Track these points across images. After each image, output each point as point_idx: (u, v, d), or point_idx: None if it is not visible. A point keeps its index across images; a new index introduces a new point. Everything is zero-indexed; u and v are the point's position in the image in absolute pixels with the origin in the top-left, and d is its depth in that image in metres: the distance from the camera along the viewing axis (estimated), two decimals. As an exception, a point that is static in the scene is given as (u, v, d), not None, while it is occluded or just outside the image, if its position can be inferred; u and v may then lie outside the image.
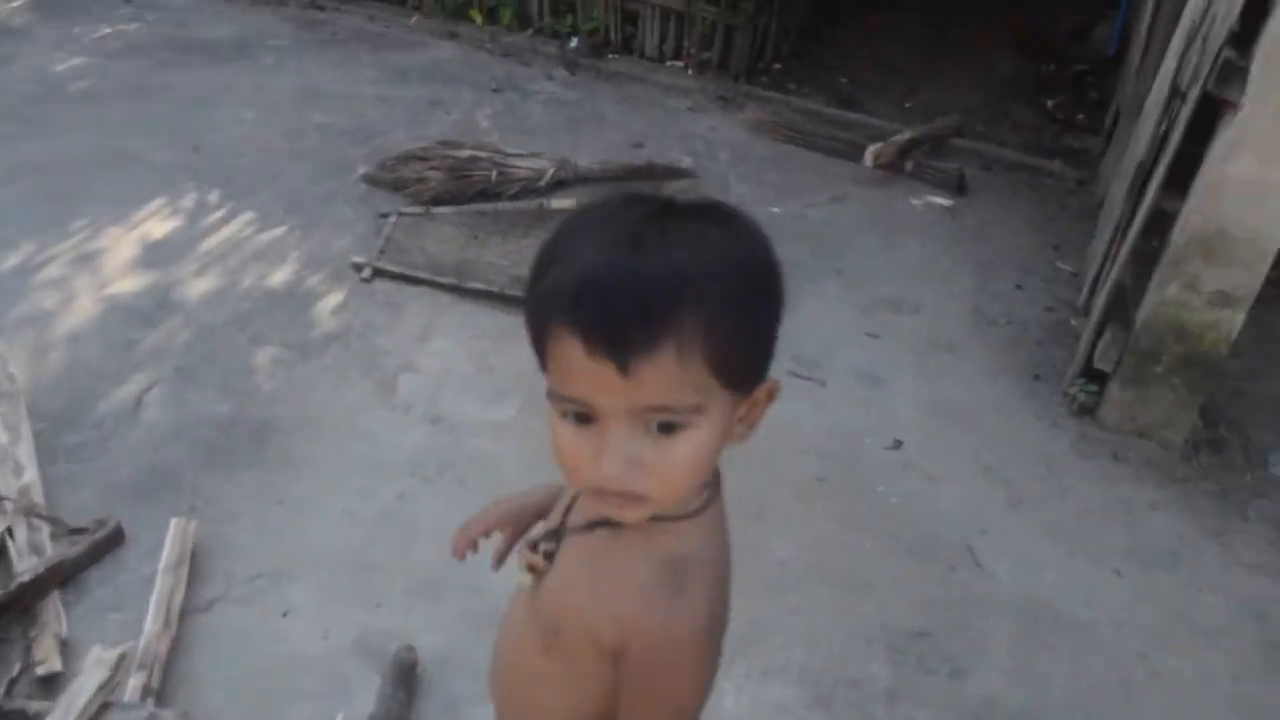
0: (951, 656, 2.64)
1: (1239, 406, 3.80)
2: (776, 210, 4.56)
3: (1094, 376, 3.56)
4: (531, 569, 1.18)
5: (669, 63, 5.87)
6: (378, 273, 3.74)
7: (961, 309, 4.09)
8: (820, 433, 3.32)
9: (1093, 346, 3.54)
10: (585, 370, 0.93)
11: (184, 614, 2.44)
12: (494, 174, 4.29)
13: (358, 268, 3.76)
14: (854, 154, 5.07)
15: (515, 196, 4.27)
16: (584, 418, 0.97)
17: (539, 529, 1.25)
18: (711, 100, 5.61)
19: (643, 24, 5.88)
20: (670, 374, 0.92)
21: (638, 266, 0.92)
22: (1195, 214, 3.13)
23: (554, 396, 0.99)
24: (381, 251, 3.84)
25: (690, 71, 5.81)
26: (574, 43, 5.88)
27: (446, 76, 5.49)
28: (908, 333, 3.90)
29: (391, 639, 2.46)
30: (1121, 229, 3.80)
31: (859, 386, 3.57)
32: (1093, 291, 3.99)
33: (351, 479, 2.92)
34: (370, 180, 4.33)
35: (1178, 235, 3.20)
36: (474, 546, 1.42)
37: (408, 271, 3.75)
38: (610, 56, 5.88)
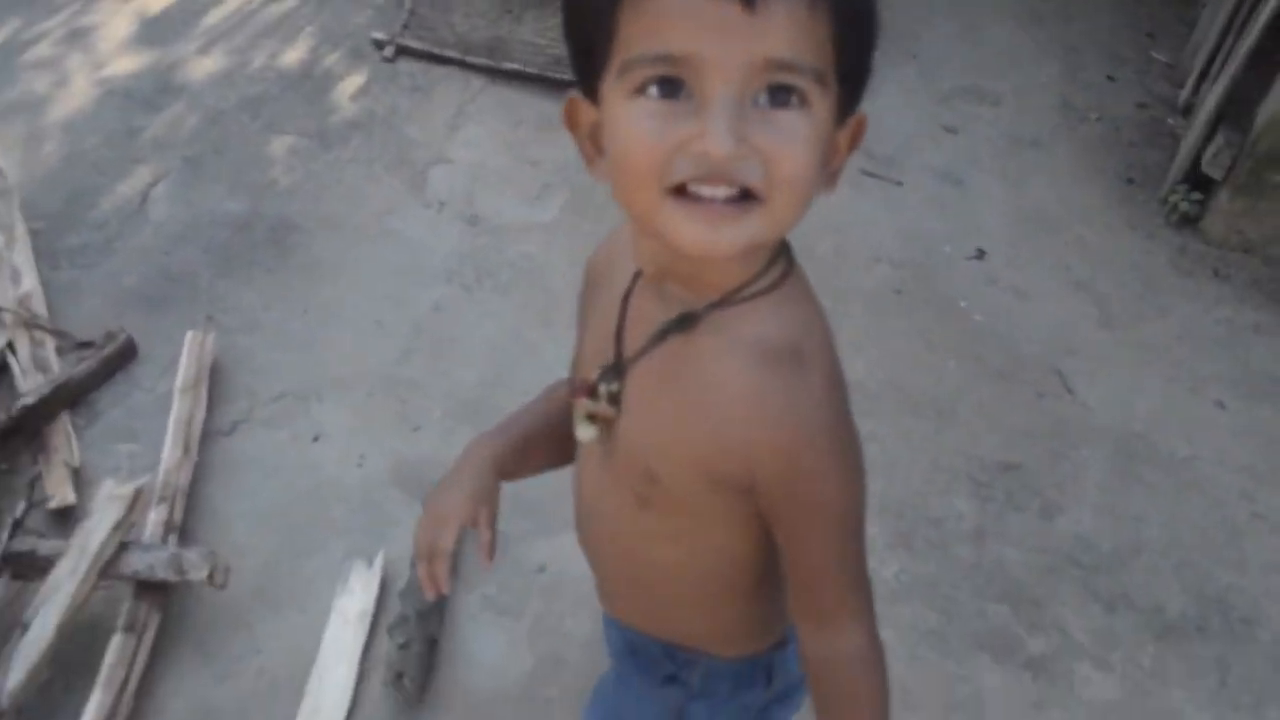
0: (1041, 491, 2.42)
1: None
2: None
3: (1198, 183, 3.20)
4: (595, 419, 0.97)
5: None
6: (401, 51, 3.35)
7: (1047, 101, 3.68)
8: (896, 238, 3.00)
9: (1200, 150, 3.16)
10: (694, 11, 0.74)
11: (204, 438, 2.22)
12: (529, -63, 3.80)
13: (379, 45, 3.36)
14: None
15: (552, -37, 3.80)
16: (672, 88, 0.76)
17: (593, 372, 0.98)
18: None
19: None
20: (801, 18, 0.75)
21: None
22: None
23: (632, 63, 0.76)
24: (405, 27, 3.43)
25: None
26: None
27: None
28: (988, 126, 3.51)
29: (432, 467, 2.24)
30: (1238, 18, 3.35)
31: (937, 187, 3.23)
32: (1197, 88, 3.57)
33: (382, 285, 2.65)
34: (389, -56, 3.85)
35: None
36: (452, 569, 1.14)
37: (435, 50, 3.35)
38: None
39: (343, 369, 2.44)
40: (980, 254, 3.01)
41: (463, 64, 3.33)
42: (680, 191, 0.78)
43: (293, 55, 3.33)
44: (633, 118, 0.77)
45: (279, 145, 3.00)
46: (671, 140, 0.76)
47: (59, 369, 2.26)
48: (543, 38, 3.47)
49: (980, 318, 2.82)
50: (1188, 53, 3.90)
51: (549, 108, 3.23)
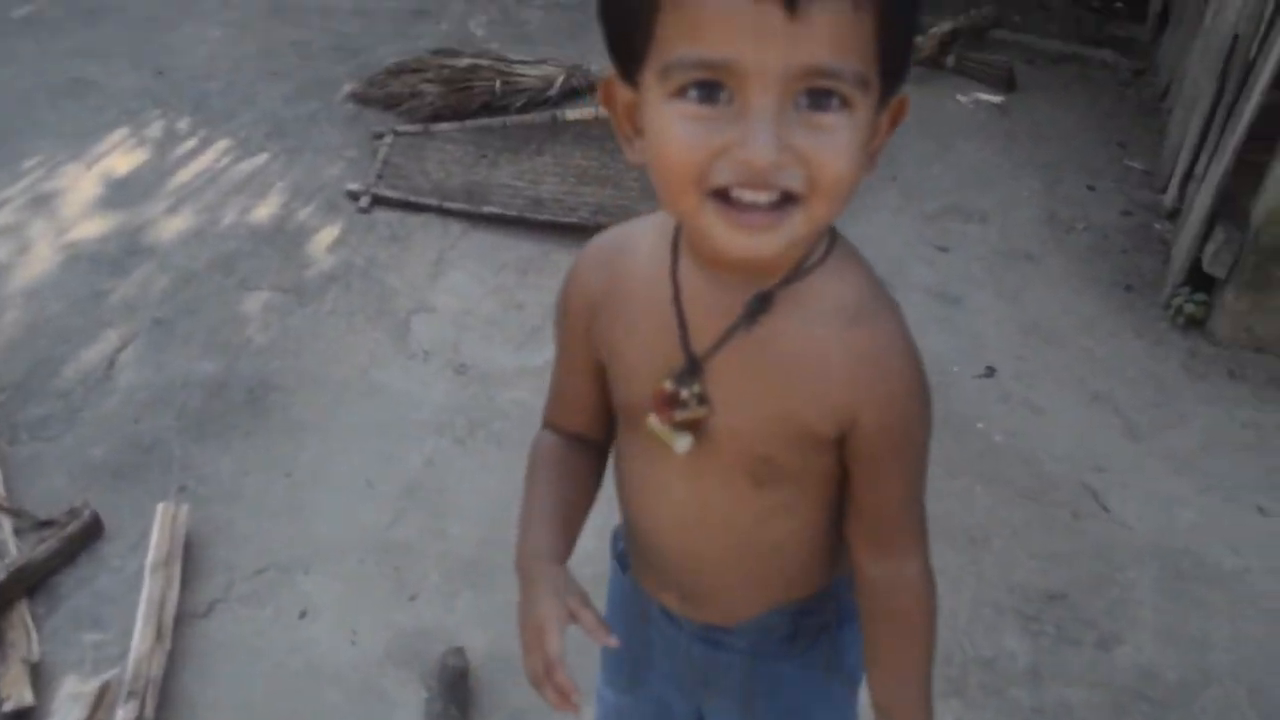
0: (1094, 621, 2.24)
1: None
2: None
3: (1200, 284, 3.13)
4: (685, 426, 0.95)
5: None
6: (377, 200, 3.26)
7: (1032, 215, 3.64)
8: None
9: (1199, 250, 3.10)
10: (735, 16, 0.73)
11: (179, 621, 2.01)
12: (498, 84, 3.79)
13: (354, 196, 3.28)
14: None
15: (524, 109, 3.78)
16: (712, 92, 0.75)
17: (665, 382, 0.96)
18: None
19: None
20: (844, 21, 0.74)
21: None
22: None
23: (672, 67, 0.76)
24: (379, 176, 3.36)
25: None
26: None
27: (432, -17, 4.93)
28: (978, 243, 3.45)
29: (433, 640, 2.05)
30: (1211, 118, 3.35)
31: (936, 306, 3.13)
32: (1182, 191, 3.55)
33: (369, 442, 2.48)
34: (359, 98, 3.82)
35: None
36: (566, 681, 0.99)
37: (411, 198, 3.27)
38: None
39: (330, 536, 2.25)
40: (990, 371, 2.90)
41: (441, 210, 3.24)
42: (721, 194, 0.78)
43: (265, 211, 3.23)
44: (673, 120, 0.77)
45: (254, 302, 2.87)
46: (713, 145, 0.76)
47: (17, 552, 2.06)
48: (521, 180, 3.41)
49: (1000, 438, 2.69)
50: (1164, 158, 3.90)
51: (531, 250, 3.14)
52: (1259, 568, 2.44)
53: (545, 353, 2.75)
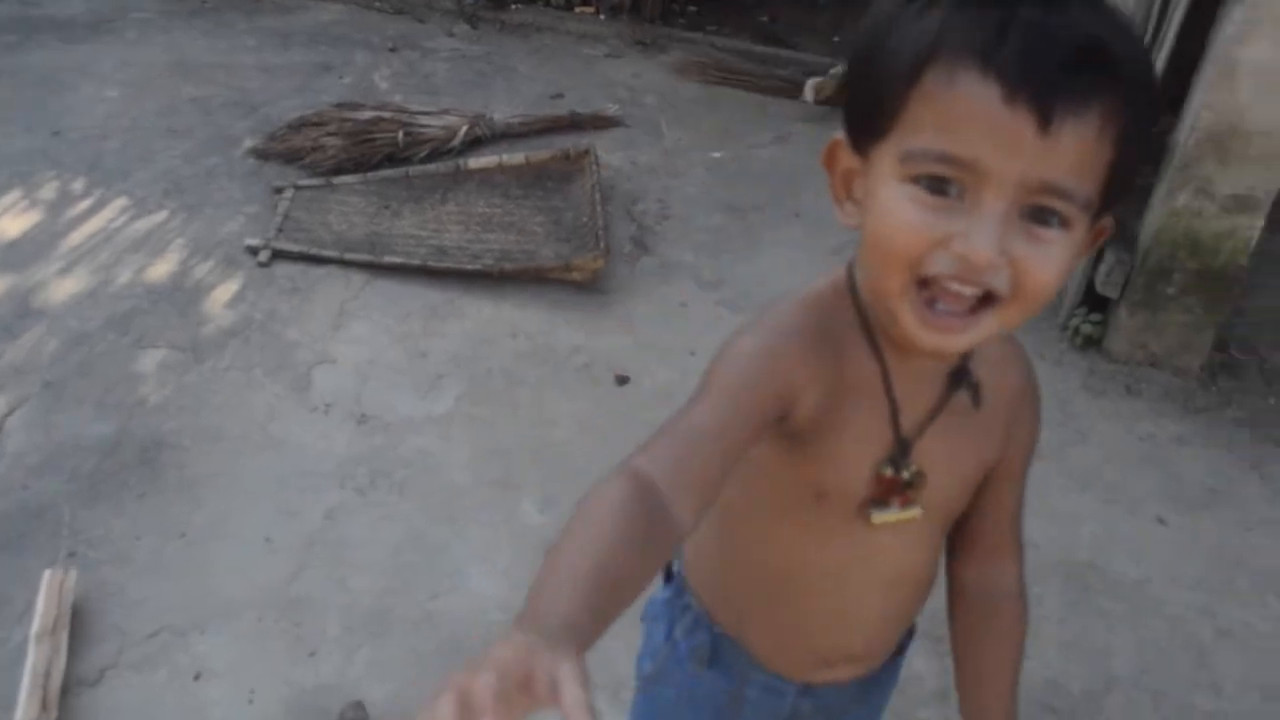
0: (999, 638, 2.26)
1: (1243, 325, 3.49)
2: (718, 154, 4.14)
3: (1095, 305, 3.21)
4: (909, 503, 0.98)
5: (578, 9, 5.40)
6: (277, 255, 3.22)
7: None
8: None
9: (1092, 272, 3.18)
10: (988, 121, 0.74)
11: (67, 691, 1.94)
12: (400, 135, 3.78)
13: (253, 251, 3.23)
14: (792, 91, 4.67)
15: (427, 159, 3.78)
16: (944, 185, 0.78)
17: (862, 466, 0.98)
18: (629, 45, 5.15)
19: (546, -31, 5.40)
20: (1088, 146, 0.76)
21: (1062, 20, 0.75)
22: (1206, 109, 2.78)
23: (914, 155, 0.78)
24: (279, 230, 3.32)
25: (602, 17, 5.34)
26: (473, -6, 5.36)
27: (335, 39, 4.93)
28: (882, 274, 3.50)
29: (333, 695, 2.00)
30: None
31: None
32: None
33: (267, 499, 2.43)
34: (259, 154, 3.79)
35: (1185, 135, 2.85)
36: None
37: (312, 250, 3.24)
38: (514, 7, 5.37)
39: (226, 595, 2.19)
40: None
41: (342, 262, 3.21)
42: (926, 282, 0.81)
43: (162, 268, 3.17)
44: (900, 202, 0.79)
45: (149, 361, 2.81)
46: (935, 235, 0.78)
47: (-108, 631, 1.98)
48: (424, 229, 3.40)
49: (905, 461, 2.71)
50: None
51: (435, 298, 3.12)
52: (1159, 576, 2.49)
53: (449, 399, 2.75)
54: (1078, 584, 2.43)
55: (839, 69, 4.71)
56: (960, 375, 0.97)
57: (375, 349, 2.92)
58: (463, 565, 2.31)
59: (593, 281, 3.20)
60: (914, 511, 0.98)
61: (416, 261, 3.20)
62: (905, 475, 0.96)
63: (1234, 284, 3.01)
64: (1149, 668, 2.26)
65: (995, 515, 1.08)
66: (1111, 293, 3.12)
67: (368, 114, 3.89)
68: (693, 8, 5.74)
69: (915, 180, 0.78)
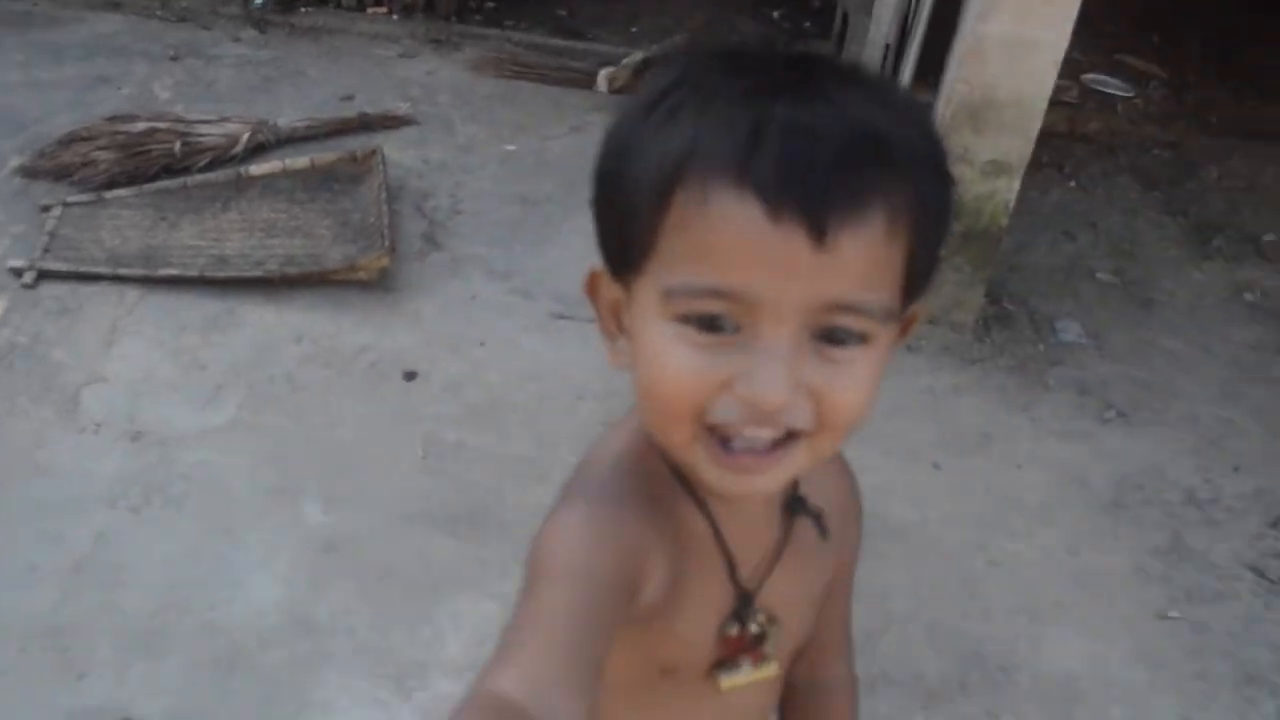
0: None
1: (1017, 280, 3.69)
2: (512, 147, 4.14)
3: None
4: (761, 660, 0.87)
5: (370, 10, 5.32)
6: (43, 275, 3.08)
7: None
8: (598, 374, 2.93)
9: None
10: (753, 243, 0.64)
11: None
12: (178, 145, 3.66)
13: (17, 273, 3.08)
14: (587, 82, 4.71)
15: (207, 168, 3.66)
16: (715, 326, 0.66)
17: (701, 625, 0.85)
18: (424, 44, 5.10)
19: (334, -30, 5.31)
20: (876, 251, 0.66)
21: (826, 113, 0.64)
22: (959, 82, 2.93)
23: (676, 292, 0.67)
24: (46, 250, 3.17)
25: (395, 17, 5.27)
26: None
27: (113, 50, 4.73)
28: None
29: (105, 716, 1.93)
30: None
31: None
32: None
33: (31, 526, 2.32)
34: (26, 172, 3.61)
35: (942, 107, 3.00)
36: None
37: (82, 268, 3.10)
38: (303, 10, 5.25)
39: (-14, 628, 2.09)
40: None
41: (115, 278, 3.09)
42: (715, 428, 0.69)
43: (-88, 300, 3.00)
44: (669, 345, 0.68)
45: (-101, 397, 2.65)
46: (715, 379, 0.67)
47: None
48: (204, 239, 3.30)
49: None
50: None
51: (215, 308, 3.03)
52: (935, 517, 2.61)
53: (229, 409, 2.68)
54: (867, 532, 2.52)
55: (633, 58, 4.78)
56: (796, 504, 0.86)
57: (150, 363, 2.82)
58: (242, 574, 2.26)
59: (380, 280, 3.17)
60: (769, 669, 0.87)
61: (194, 272, 3.11)
62: (754, 629, 0.85)
63: (997, 242, 3.18)
64: (924, 602, 2.38)
65: (830, 623, 1.01)
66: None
67: (142, 125, 3.75)
68: (490, 4, 5.72)
69: (683, 319, 0.67)
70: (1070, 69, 5.90)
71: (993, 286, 3.49)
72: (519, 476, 2.53)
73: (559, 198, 3.80)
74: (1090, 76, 5.73)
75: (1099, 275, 3.84)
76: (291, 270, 3.15)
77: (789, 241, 0.63)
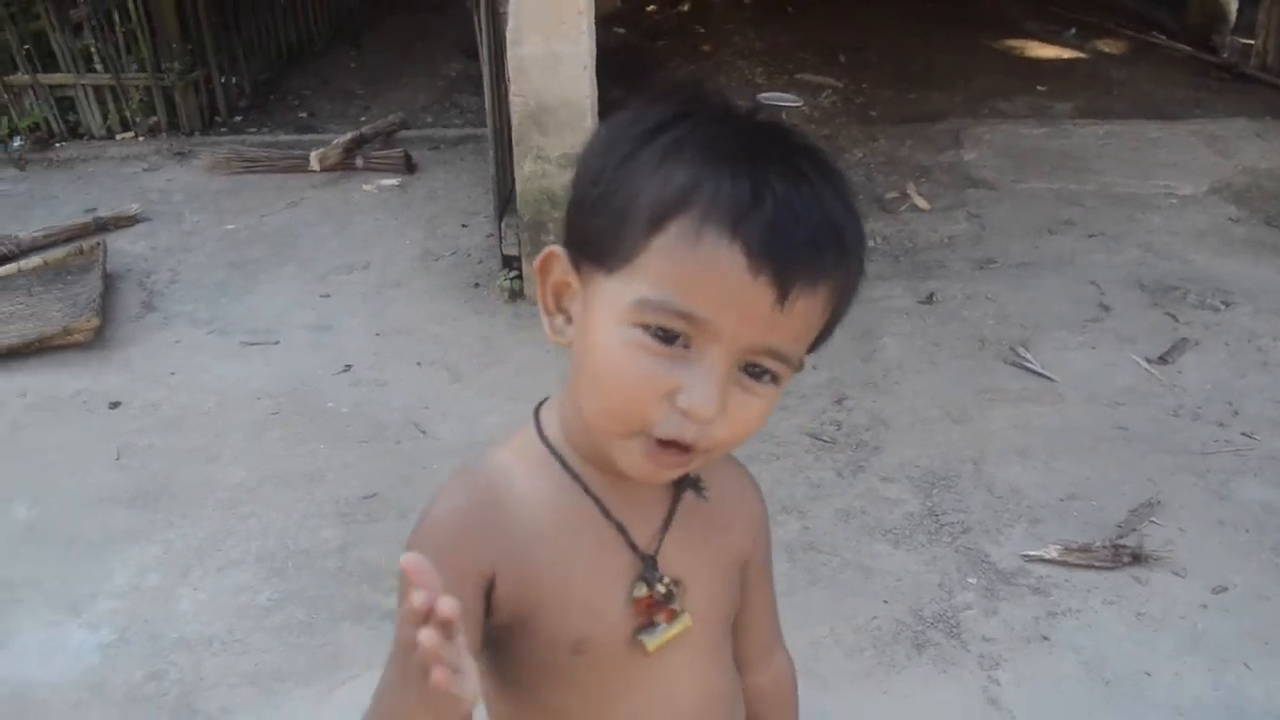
0: (398, 504, 2.98)
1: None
2: (231, 226, 4.81)
3: (513, 265, 4.07)
4: (674, 616, 0.95)
5: (120, 136, 5.97)
6: None
7: (410, 255, 4.51)
8: (274, 379, 3.58)
9: (500, 238, 4.05)
10: (730, 287, 0.77)
11: None
12: (-76, 266, 4.25)
13: None
14: (306, 166, 5.41)
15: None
16: (671, 339, 0.79)
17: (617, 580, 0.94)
18: (168, 157, 5.76)
19: (80, 107, 5.96)
20: (813, 318, 0.82)
21: (808, 198, 0.79)
22: (516, 96, 3.70)
23: (650, 305, 0.79)
24: None
25: (141, 139, 5.94)
26: (17, 142, 5.84)
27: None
28: (358, 286, 4.26)
29: None
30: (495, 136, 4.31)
31: (312, 336, 3.88)
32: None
33: None
34: None
35: (514, 117, 3.75)
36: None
37: None
38: (58, 145, 5.89)
39: None
40: (347, 368, 3.66)
41: None
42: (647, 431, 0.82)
43: None
44: (627, 349, 0.80)
45: None
46: (661, 385, 0.79)
47: None
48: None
49: (346, 410, 3.43)
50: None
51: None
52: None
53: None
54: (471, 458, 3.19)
55: (341, 138, 5.50)
56: (687, 485, 0.96)
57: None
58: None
59: (97, 341, 3.78)
60: (684, 620, 0.94)
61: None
62: (661, 589, 0.93)
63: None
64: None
65: (759, 615, 1.09)
66: (515, 251, 3.98)
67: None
68: (238, 117, 6.43)
69: (645, 327, 0.79)
70: (749, 91, 6.85)
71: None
72: (193, 461, 3.16)
73: (265, 259, 4.47)
74: (765, 95, 6.65)
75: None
76: (14, 341, 3.74)
77: (758, 295, 0.76)
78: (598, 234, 0.81)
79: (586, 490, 0.91)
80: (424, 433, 3.31)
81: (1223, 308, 3.94)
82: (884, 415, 3.37)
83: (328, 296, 4.16)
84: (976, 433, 3.26)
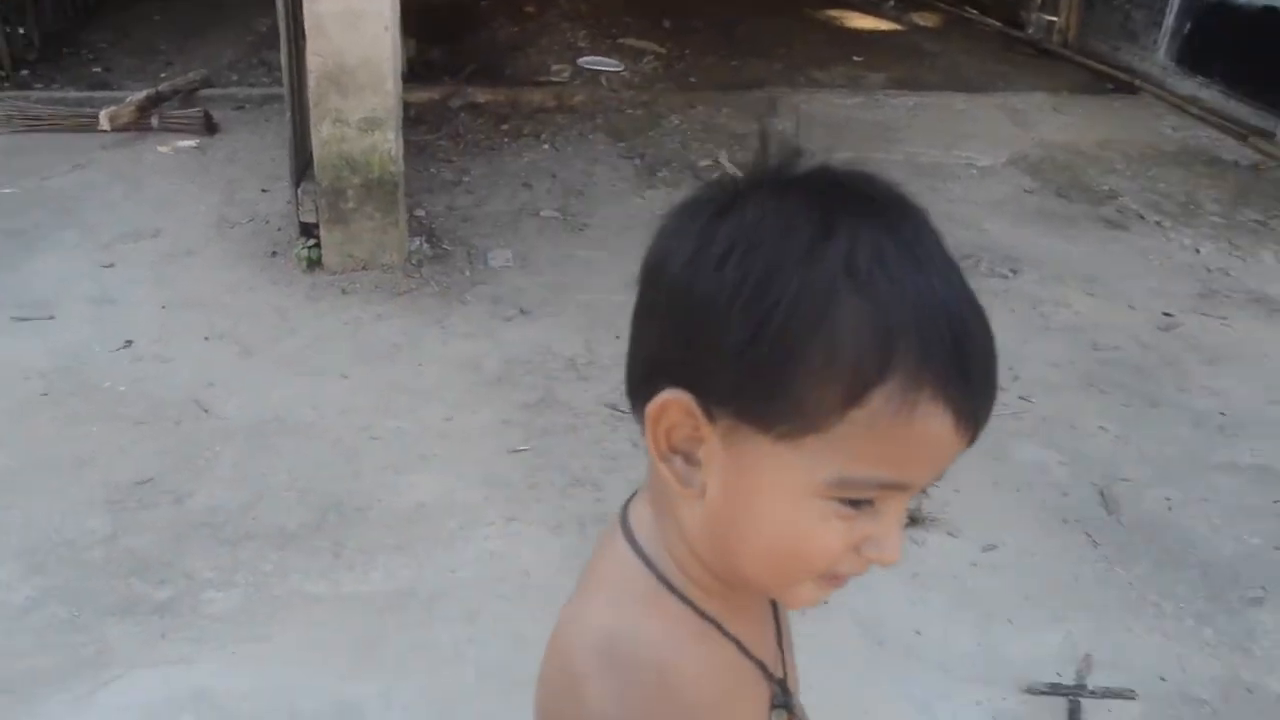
0: (174, 489, 2.83)
1: (466, 227, 4.36)
2: (8, 190, 4.48)
3: (311, 233, 3.91)
4: None
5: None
6: None
7: (205, 222, 4.29)
8: (45, 358, 3.35)
9: (298, 205, 3.88)
10: (938, 450, 0.70)
11: None
12: None
13: None
14: (96, 125, 5.08)
15: None
16: (862, 503, 0.72)
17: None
18: (-59, 115, 5.34)
19: None
20: None
21: (987, 330, 0.71)
22: (314, 55, 3.53)
23: (850, 483, 0.70)
24: None
25: (-91, 94, 5.48)
26: None
27: None
28: (146, 254, 4.03)
29: None
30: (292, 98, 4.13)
31: (92, 310, 3.65)
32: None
33: None
34: None
35: (310, 79, 3.59)
36: None
37: None
38: None
39: None
40: (128, 344, 3.46)
41: None
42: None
43: None
44: (819, 522, 0.72)
45: None
46: (850, 543, 0.73)
47: None
48: None
49: (124, 388, 3.24)
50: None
51: None
52: (333, 415, 3.17)
53: None
54: (258, 437, 3.05)
55: (136, 96, 5.19)
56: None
57: None
58: None
59: None
60: None
61: None
62: (797, 713, 0.90)
63: (395, 188, 3.81)
64: (306, 478, 2.91)
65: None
66: (313, 219, 3.83)
67: None
68: (25, 71, 5.99)
69: (840, 500, 0.71)
70: (571, 55, 6.78)
71: (438, 234, 4.16)
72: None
73: (44, 226, 4.18)
74: (585, 60, 6.59)
75: (543, 213, 4.57)
76: None
77: (958, 448, 0.70)
78: (760, 396, 0.69)
79: (724, 633, 0.82)
80: (207, 411, 3.16)
81: (1011, 275, 4.10)
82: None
83: (111, 266, 3.92)
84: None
